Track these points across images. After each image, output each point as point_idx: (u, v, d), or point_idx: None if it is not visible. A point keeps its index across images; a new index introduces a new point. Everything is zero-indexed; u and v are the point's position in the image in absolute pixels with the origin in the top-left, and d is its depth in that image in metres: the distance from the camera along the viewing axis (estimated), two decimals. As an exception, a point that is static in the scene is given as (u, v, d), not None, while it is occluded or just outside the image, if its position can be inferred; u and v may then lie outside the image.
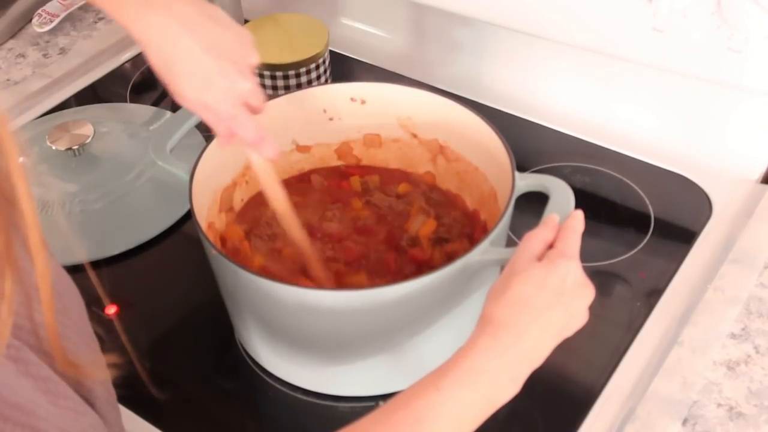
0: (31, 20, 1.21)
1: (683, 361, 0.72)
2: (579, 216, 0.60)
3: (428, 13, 1.10)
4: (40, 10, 1.21)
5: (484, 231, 0.77)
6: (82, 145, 0.95)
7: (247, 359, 0.77)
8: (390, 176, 0.85)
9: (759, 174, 0.92)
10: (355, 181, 0.84)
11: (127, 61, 1.18)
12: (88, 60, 1.16)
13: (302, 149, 0.85)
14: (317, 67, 0.97)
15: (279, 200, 0.73)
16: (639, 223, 0.89)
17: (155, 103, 1.11)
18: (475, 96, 1.00)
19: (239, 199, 0.81)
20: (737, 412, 0.68)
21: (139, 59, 1.19)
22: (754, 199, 0.89)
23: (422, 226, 0.78)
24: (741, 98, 0.89)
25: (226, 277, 0.70)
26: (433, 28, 1.11)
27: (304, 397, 0.74)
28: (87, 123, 0.97)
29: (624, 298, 0.81)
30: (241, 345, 0.78)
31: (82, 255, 0.53)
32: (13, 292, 0.37)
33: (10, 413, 0.37)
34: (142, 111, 1.07)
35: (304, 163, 0.86)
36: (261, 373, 0.76)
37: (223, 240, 0.78)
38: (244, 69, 0.66)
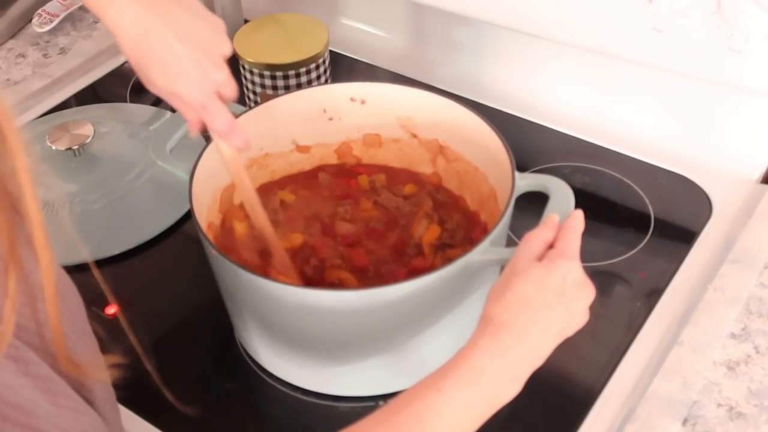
0: (31, 20, 1.21)
1: (683, 361, 0.72)
2: (579, 216, 0.60)
3: (428, 13, 1.10)
4: (40, 10, 1.21)
5: (484, 231, 0.77)
6: (82, 145, 0.95)
7: (247, 359, 0.77)
8: (396, 175, 0.85)
9: (759, 174, 0.92)
10: (363, 180, 0.84)
11: (126, 61, 1.18)
12: (88, 60, 1.16)
13: (302, 149, 0.85)
14: (317, 67, 0.96)
15: (246, 190, 0.74)
16: (639, 223, 0.89)
17: (155, 103, 1.11)
18: (475, 96, 1.00)
19: (239, 199, 0.81)
20: (737, 412, 0.68)
21: (139, 59, 1.19)
22: (754, 199, 0.89)
23: (426, 232, 0.78)
24: (741, 98, 0.89)
25: (226, 277, 0.70)
26: (433, 28, 1.11)
27: (304, 397, 0.74)
28: (87, 123, 0.97)
29: (624, 298, 0.81)
30: (241, 345, 0.78)
31: (83, 255, 0.53)
32: (17, 291, 0.37)
33: (10, 413, 0.37)
34: (142, 111, 1.07)
35: (304, 163, 0.86)
36: (261, 373, 0.76)
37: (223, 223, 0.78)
38: (218, 59, 0.66)
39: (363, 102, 0.82)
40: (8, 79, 1.12)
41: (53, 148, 0.94)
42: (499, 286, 0.56)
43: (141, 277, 0.87)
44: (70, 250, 0.70)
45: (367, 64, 1.13)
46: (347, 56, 1.14)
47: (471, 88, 1.03)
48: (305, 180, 0.85)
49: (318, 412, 0.73)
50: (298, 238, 0.78)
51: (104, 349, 0.51)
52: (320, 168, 0.86)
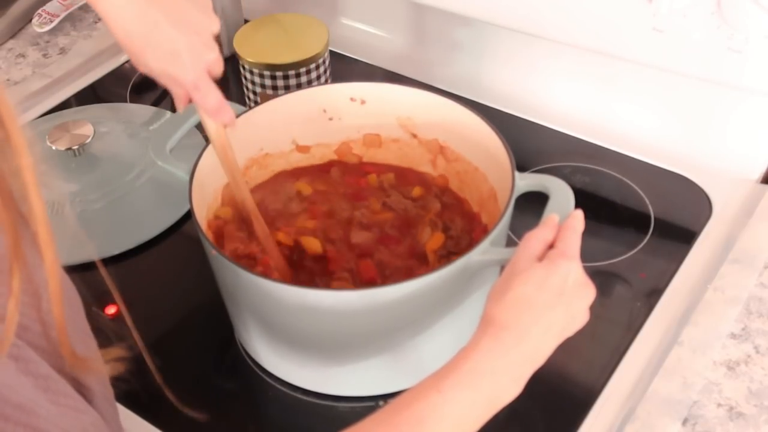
0: (31, 20, 1.21)
1: (683, 361, 0.72)
2: (579, 216, 0.60)
3: (428, 13, 1.10)
4: (40, 10, 1.21)
5: (485, 232, 0.77)
6: (82, 145, 0.95)
7: (247, 359, 0.77)
8: (404, 176, 0.84)
9: (759, 174, 0.92)
10: (373, 179, 0.84)
11: (127, 61, 1.18)
12: (88, 60, 1.16)
13: (302, 149, 0.85)
14: (317, 67, 0.96)
15: (231, 166, 0.74)
16: (639, 223, 0.89)
17: (155, 103, 1.11)
18: (475, 96, 1.00)
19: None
20: (737, 412, 0.68)
21: (139, 59, 1.19)
22: (754, 199, 0.89)
23: (429, 239, 0.77)
24: (741, 98, 0.89)
25: (226, 277, 0.70)
26: (433, 28, 1.11)
27: (304, 397, 0.74)
28: (87, 123, 0.97)
29: (624, 298, 0.81)
30: (241, 345, 0.78)
31: (85, 254, 0.53)
32: (20, 289, 0.38)
33: (11, 413, 0.37)
34: (142, 111, 1.07)
35: (304, 163, 0.86)
36: (261, 373, 0.76)
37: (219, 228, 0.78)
38: (208, 39, 0.67)
39: (363, 102, 0.82)
40: (8, 79, 1.12)
41: (53, 148, 0.94)
42: (499, 286, 0.56)
43: (141, 277, 0.87)
44: (71, 250, 0.70)
45: (367, 64, 1.13)
46: (347, 56, 1.14)
47: (471, 88, 1.03)
48: (319, 173, 0.85)
49: (318, 412, 0.73)
50: (314, 244, 0.76)
51: (105, 349, 0.51)
52: (332, 163, 0.86)
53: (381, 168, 0.85)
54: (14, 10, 1.22)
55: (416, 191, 0.82)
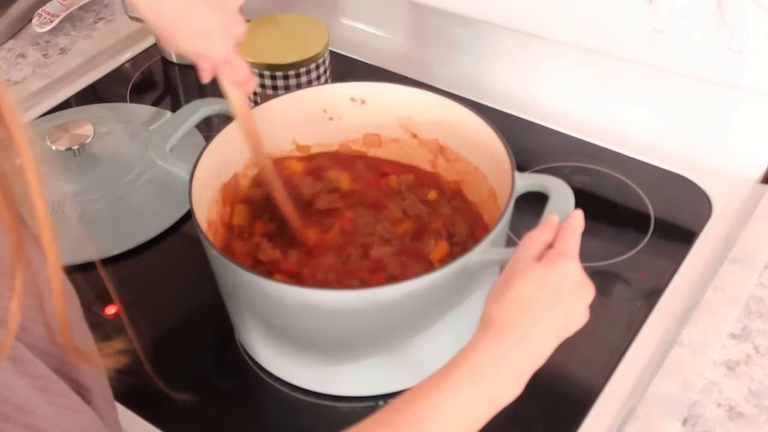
0: (31, 20, 1.21)
1: (683, 361, 0.72)
2: (579, 216, 0.60)
3: (428, 13, 1.10)
4: (40, 10, 1.21)
5: (486, 231, 0.77)
6: (82, 145, 0.95)
7: (247, 359, 0.77)
8: (421, 177, 0.84)
9: (759, 174, 0.92)
10: (393, 180, 0.83)
11: (127, 61, 1.18)
12: (88, 60, 1.16)
13: (302, 149, 0.85)
14: (317, 67, 0.96)
15: (254, 135, 0.76)
16: (639, 223, 0.89)
17: (155, 103, 1.11)
18: (475, 96, 1.00)
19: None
20: (737, 412, 0.68)
21: (139, 59, 1.19)
22: (754, 199, 0.89)
23: (434, 249, 0.76)
24: (741, 98, 0.89)
25: (227, 277, 0.70)
26: (433, 28, 1.11)
27: (304, 397, 0.74)
28: (87, 123, 0.97)
29: (624, 298, 0.81)
30: (241, 345, 0.78)
31: (83, 255, 0.53)
32: (23, 290, 0.38)
33: (10, 412, 0.37)
34: (142, 111, 1.08)
35: (304, 162, 0.86)
36: (261, 373, 0.76)
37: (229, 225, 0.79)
38: (235, 14, 0.70)
39: (363, 102, 0.82)
40: (8, 79, 1.12)
41: (53, 148, 0.94)
42: (498, 286, 0.56)
43: (141, 277, 0.87)
44: (71, 250, 0.70)
45: (367, 64, 1.13)
46: (347, 56, 1.14)
47: (471, 88, 1.03)
48: (347, 161, 0.85)
49: (318, 412, 0.73)
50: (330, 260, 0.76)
51: (105, 349, 0.51)
52: (361, 156, 0.85)
53: (401, 167, 0.84)
54: (14, 10, 1.22)
55: (432, 195, 0.81)
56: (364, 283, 0.73)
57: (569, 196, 0.66)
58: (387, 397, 0.72)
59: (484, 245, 0.64)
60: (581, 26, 0.89)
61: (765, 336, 0.74)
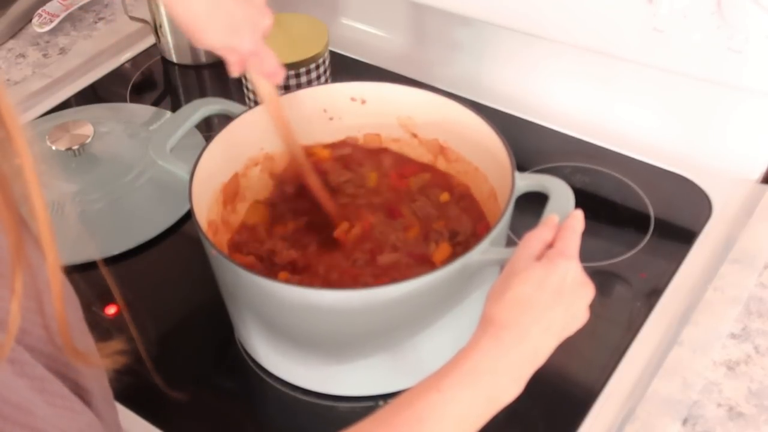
0: (31, 20, 1.21)
1: (683, 361, 0.72)
2: (578, 216, 0.60)
3: (428, 13, 1.10)
4: (40, 10, 1.21)
5: (487, 230, 0.77)
6: (82, 145, 0.95)
7: (247, 359, 0.77)
8: (438, 177, 0.83)
9: (759, 174, 0.92)
10: (414, 182, 0.83)
11: (127, 61, 1.18)
12: (88, 60, 1.16)
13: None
14: (317, 67, 0.96)
15: (285, 125, 0.78)
16: (639, 223, 0.89)
17: (155, 103, 1.11)
18: (475, 96, 1.00)
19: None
20: (737, 412, 0.68)
21: (139, 59, 1.19)
22: (754, 199, 0.89)
23: (436, 251, 0.76)
24: (741, 98, 0.89)
25: (227, 276, 0.70)
26: (433, 28, 1.11)
27: (304, 397, 0.74)
28: (87, 123, 0.97)
29: (624, 298, 0.81)
30: (241, 345, 0.78)
31: (83, 255, 0.53)
32: (23, 291, 0.38)
33: (9, 412, 0.37)
34: (142, 111, 1.08)
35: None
36: (261, 373, 0.76)
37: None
38: (262, 7, 0.71)
39: (363, 102, 0.82)
40: (8, 79, 1.12)
41: (53, 148, 0.94)
42: (498, 286, 0.56)
43: (141, 277, 0.87)
44: (71, 250, 0.70)
45: (367, 64, 1.13)
46: (347, 56, 1.14)
47: (471, 88, 1.03)
48: (372, 155, 0.85)
49: (318, 412, 0.73)
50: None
51: (105, 349, 0.51)
52: (386, 150, 0.85)
53: (420, 167, 0.84)
54: (14, 10, 1.22)
55: (444, 197, 0.81)
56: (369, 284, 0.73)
57: (569, 196, 0.66)
58: (387, 397, 0.72)
59: (484, 245, 0.64)
60: (581, 26, 0.89)
61: (765, 336, 0.74)
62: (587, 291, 0.56)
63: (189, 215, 0.82)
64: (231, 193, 0.79)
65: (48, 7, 1.22)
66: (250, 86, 0.98)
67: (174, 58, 1.17)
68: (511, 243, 0.73)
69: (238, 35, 0.70)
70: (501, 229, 0.66)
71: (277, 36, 0.98)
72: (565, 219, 0.60)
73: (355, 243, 0.77)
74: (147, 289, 0.85)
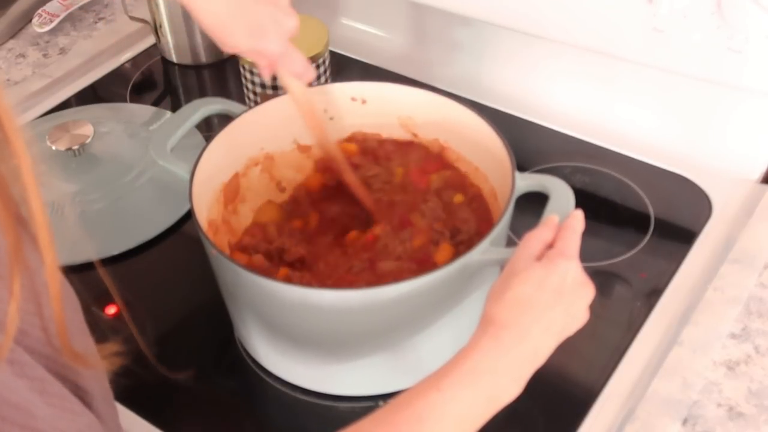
0: (31, 20, 1.21)
1: (683, 361, 0.72)
2: (579, 216, 0.60)
3: (428, 13, 1.10)
4: (40, 10, 1.21)
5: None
6: (82, 145, 0.95)
7: (247, 359, 0.77)
8: (456, 176, 0.81)
9: (759, 174, 0.92)
10: (435, 180, 0.82)
11: (127, 61, 1.18)
12: (88, 60, 1.16)
13: (303, 149, 0.85)
14: (317, 67, 0.96)
15: (320, 124, 0.78)
16: (639, 223, 0.89)
17: (155, 103, 1.11)
18: (475, 96, 1.00)
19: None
20: (737, 412, 0.68)
21: (139, 59, 1.19)
22: (754, 199, 0.89)
23: (436, 252, 0.75)
24: (741, 98, 0.89)
25: (227, 276, 0.70)
26: (433, 28, 1.11)
27: (304, 397, 0.74)
28: (87, 123, 0.97)
29: (624, 298, 0.81)
30: (241, 344, 0.78)
31: (83, 255, 0.53)
32: (21, 293, 0.38)
33: (8, 413, 0.37)
34: (142, 111, 1.08)
35: (305, 161, 0.86)
36: (261, 373, 0.76)
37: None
38: (286, 7, 0.71)
39: (364, 102, 0.82)
40: (8, 79, 1.12)
41: (53, 148, 0.94)
42: (498, 286, 0.56)
43: (141, 277, 0.87)
44: (71, 250, 0.70)
45: (367, 64, 1.13)
46: (347, 56, 1.14)
47: (471, 88, 1.03)
48: (402, 147, 0.84)
49: (318, 412, 0.73)
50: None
51: (105, 349, 0.51)
52: (414, 144, 0.84)
53: (443, 163, 0.83)
54: (14, 10, 1.22)
55: (458, 198, 0.80)
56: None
57: (569, 196, 0.66)
58: (387, 396, 0.72)
59: (484, 245, 0.64)
60: (581, 26, 0.89)
61: (765, 336, 0.74)
62: (587, 291, 0.56)
63: (189, 215, 0.82)
64: (231, 193, 0.79)
65: (48, 7, 1.22)
66: (249, 86, 0.98)
67: (174, 58, 1.17)
68: (511, 243, 0.73)
69: (263, 36, 0.70)
70: (501, 229, 0.66)
71: (277, 36, 0.98)
72: (565, 219, 0.60)
73: (356, 251, 0.77)
74: (147, 289, 0.85)
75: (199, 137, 0.98)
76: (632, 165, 0.95)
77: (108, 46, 1.18)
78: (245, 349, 0.78)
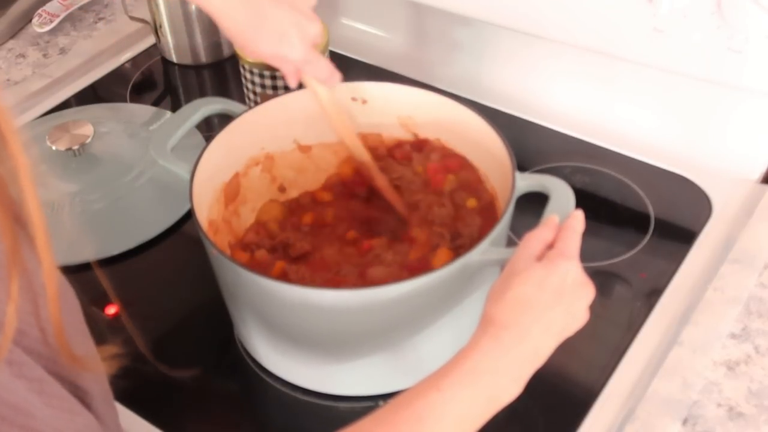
0: (31, 20, 1.21)
1: (683, 361, 0.72)
2: (579, 216, 0.60)
3: (428, 13, 1.10)
4: (40, 10, 1.21)
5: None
6: (82, 145, 0.95)
7: (247, 359, 0.77)
8: (472, 179, 0.80)
9: (759, 174, 0.92)
10: (451, 180, 0.81)
11: (127, 61, 1.18)
12: (88, 60, 1.16)
13: (303, 149, 0.85)
14: (317, 67, 0.96)
15: (348, 131, 0.78)
16: (639, 223, 0.89)
17: (155, 103, 1.11)
18: (475, 96, 1.00)
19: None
20: (737, 412, 0.68)
21: (139, 59, 1.19)
22: (754, 199, 0.89)
23: (434, 256, 0.75)
24: (741, 98, 0.89)
25: (227, 276, 0.70)
26: (433, 28, 1.11)
27: (304, 397, 0.74)
28: (87, 123, 0.97)
29: (624, 298, 0.81)
30: (241, 345, 0.78)
31: (83, 255, 0.53)
32: (19, 294, 0.37)
33: (6, 413, 0.37)
34: (142, 111, 1.07)
35: (305, 161, 0.86)
36: (261, 373, 0.76)
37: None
38: (309, 14, 0.71)
39: (364, 102, 0.82)
40: (8, 79, 1.12)
41: (53, 148, 0.94)
42: (498, 286, 0.56)
43: (141, 277, 0.87)
44: (71, 250, 0.70)
45: (367, 64, 1.13)
46: (347, 56, 1.14)
47: (471, 88, 1.03)
48: (419, 145, 0.83)
49: (318, 412, 0.73)
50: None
51: (105, 349, 0.51)
52: (424, 143, 0.83)
53: (459, 163, 0.81)
54: (14, 10, 1.22)
55: (471, 203, 0.79)
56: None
57: (570, 197, 0.66)
58: (387, 396, 0.72)
59: (484, 245, 0.64)
60: (581, 26, 0.89)
61: (765, 336, 0.74)
62: (587, 291, 0.56)
63: (189, 215, 0.82)
64: (232, 192, 0.79)
65: (48, 7, 1.22)
66: (249, 86, 0.98)
67: (174, 58, 1.17)
68: (511, 243, 0.73)
69: (286, 42, 0.70)
70: (501, 229, 0.66)
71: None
72: (565, 219, 0.60)
73: (350, 256, 0.77)
74: (147, 289, 0.85)
75: (199, 137, 0.98)
76: (632, 165, 0.95)
77: (108, 46, 1.18)
78: (245, 349, 0.78)
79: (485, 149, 0.76)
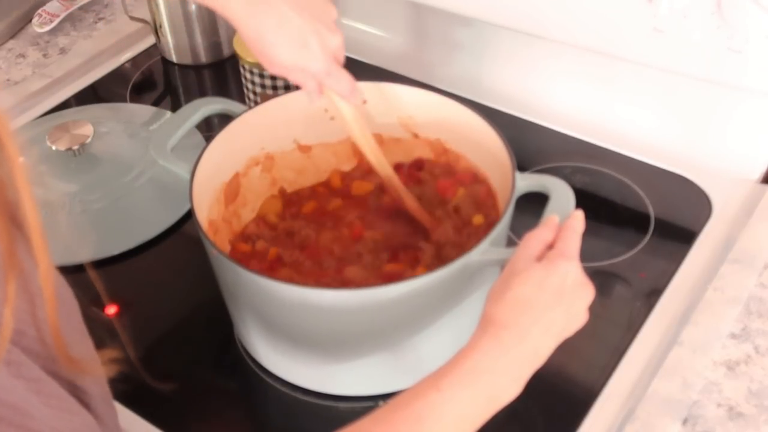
0: (31, 20, 1.21)
1: (683, 361, 0.72)
2: (579, 216, 0.60)
3: (428, 13, 1.10)
4: (40, 10, 1.21)
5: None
6: (82, 145, 0.95)
7: (247, 359, 0.77)
8: (484, 194, 0.79)
9: (759, 174, 0.92)
10: (461, 194, 0.79)
11: (127, 61, 1.18)
12: (88, 60, 1.16)
13: (303, 149, 0.85)
14: (317, 67, 0.96)
15: (370, 145, 0.77)
16: (639, 223, 0.89)
17: (155, 103, 1.11)
18: (475, 96, 1.00)
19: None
20: (737, 412, 0.68)
21: (139, 59, 1.19)
22: (754, 199, 0.89)
23: (419, 268, 0.74)
24: (741, 98, 0.89)
25: (227, 276, 0.70)
26: (433, 28, 1.11)
27: (304, 397, 0.74)
28: (87, 123, 0.97)
29: (624, 298, 0.81)
30: (241, 344, 0.78)
31: (83, 255, 0.53)
32: (16, 296, 0.37)
33: (5, 413, 0.37)
34: (142, 111, 1.08)
35: (305, 161, 0.86)
36: (261, 373, 0.76)
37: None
38: (331, 24, 0.70)
39: (364, 102, 0.82)
40: (8, 79, 1.12)
41: (53, 148, 0.94)
42: (498, 286, 0.56)
43: (141, 277, 0.87)
44: (69, 251, 0.70)
45: (367, 64, 1.13)
46: (347, 56, 1.13)
47: (471, 88, 1.03)
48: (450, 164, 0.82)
49: (318, 412, 0.73)
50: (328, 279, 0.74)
51: (105, 349, 0.51)
52: (448, 151, 0.83)
53: (472, 178, 0.80)
54: (14, 10, 1.22)
55: (477, 219, 0.77)
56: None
57: (570, 197, 0.66)
58: (387, 396, 0.72)
59: (484, 245, 0.64)
60: (581, 26, 0.89)
61: (765, 336, 0.74)
62: (587, 292, 0.56)
63: (189, 215, 0.82)
64: (232, 192, 0.79)
65: (48, 7, 1.22)
66: (249, 86, 0.98)
67: (174, 58, 1.17)
68: (511, 243, 0.73)
69: (307, 53, 0.69)
70: (501, 229, 0.66)
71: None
72: (565, 219, 0.60)
73: (329, 253, 0.77)
74: (147, 289, 0.85)
75: (199, 137, 0.98)
76: (632, 165, 0.95)
77: (108, 46, 1.18)
78: (245, 349, 0.78)
79: (485, 149, 0.76)
